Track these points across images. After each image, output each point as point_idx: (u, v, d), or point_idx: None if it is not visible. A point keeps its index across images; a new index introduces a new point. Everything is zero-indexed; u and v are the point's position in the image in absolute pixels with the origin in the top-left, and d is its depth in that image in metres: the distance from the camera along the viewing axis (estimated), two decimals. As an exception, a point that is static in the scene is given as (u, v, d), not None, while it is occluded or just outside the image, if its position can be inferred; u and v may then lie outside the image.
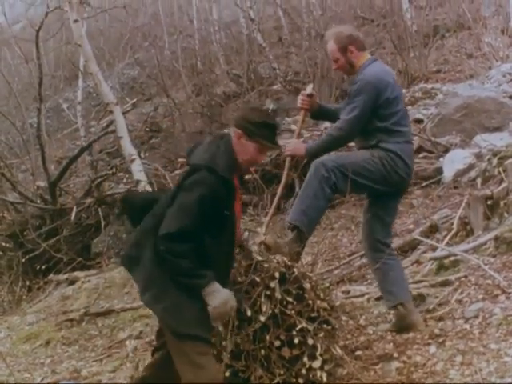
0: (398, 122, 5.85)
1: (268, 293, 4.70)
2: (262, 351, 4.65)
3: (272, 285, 4.71)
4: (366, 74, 5.86)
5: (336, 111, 6.20)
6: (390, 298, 5.84)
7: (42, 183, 13.40)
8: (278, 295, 4.68)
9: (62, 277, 11.80)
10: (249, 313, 4.63)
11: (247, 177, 12.25)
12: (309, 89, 6.13)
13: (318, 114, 6.27)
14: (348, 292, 7.25)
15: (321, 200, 5.78)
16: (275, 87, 19.92)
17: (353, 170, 5.66)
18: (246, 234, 5.68)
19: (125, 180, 13.59)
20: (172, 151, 15.75)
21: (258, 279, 4.70)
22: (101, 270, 11.49)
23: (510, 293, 5.76)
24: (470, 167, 9.91)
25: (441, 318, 5.72)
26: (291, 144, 6.05)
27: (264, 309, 4.63)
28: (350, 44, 5.89)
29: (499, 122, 11.52)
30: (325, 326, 4.86)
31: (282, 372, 4.65)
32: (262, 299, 4.65)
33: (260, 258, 4.89)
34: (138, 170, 11.74)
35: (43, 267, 12.41)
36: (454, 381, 4.56)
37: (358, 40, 5.97)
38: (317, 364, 4.77)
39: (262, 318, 4.61)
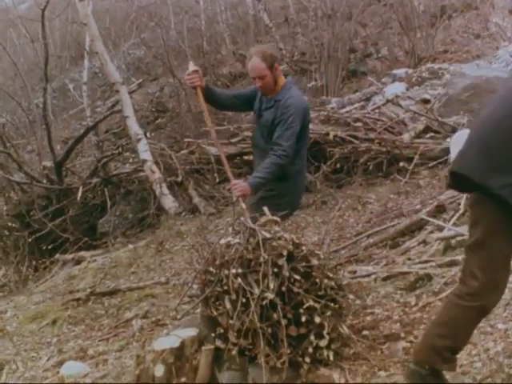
0: (305, 145, 6.29)
1: (276, 270, 4.68)
2: (269, 329, 4.65)
3: (280, 262, 4.70)
4: (295, 98, 6.11)
5: (220, 96, 6.42)
6: None
7: (48, 163, 13.38)
8: (285, 273, 4.67)
9: (68, 256, 11.81)
10: (256, 290, 4.62)
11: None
12: (191, 66, 6.11)
13: (206, 93, 6.22)
14: (355, 272, 7.23)
15: None
16: (281, 67, 19.83)
17: None
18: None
19: (131, 160, 13.56)
20: (178, 131, 15.71)
21: (265, 256, 4.69)
22: (107, 249, 11.50)
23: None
24: (477, 147, 9.87)
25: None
26: (239, 186, 5.87)
27: (271, 286, 4.62)
28: (275, 62, 6.09)
29: (507, 103, 11.47)
30: (332, 304, 4.85)
31: (288, 350, 4.64)
32: (270, 277, 4.64)
33: (268, 236, 4.88)
34: (143, 150, 11.73)
35: (49, 247, 12.41)
36: (461, 360, 4.54)
37: (278, 60, 6.26)
38: (324, 343, 4.76)
39: (270, 296, 4.59)
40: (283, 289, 4.67)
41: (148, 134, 12.43)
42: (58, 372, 6.35)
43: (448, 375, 4.32)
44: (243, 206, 5.66)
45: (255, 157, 6.62)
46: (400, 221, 8.63)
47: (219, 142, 7.02)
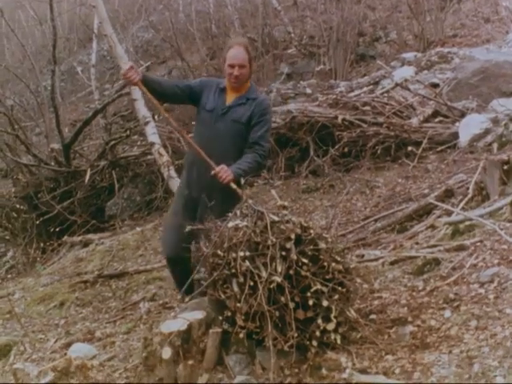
0: None
1: (283, 253, 4.68)
2: (277, 312, 4.65)
3: (287, 246, 4.70)
4: (265, 96, 6.11)
5: (161, 84, 6.23)
6: None
7: (56, 146, 13.39)
8: (293, 256, 4.67)
9: (75, 239, 11.85)
10: (264, 273, 4.62)
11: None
12: (123, 64, 6.09)
13: (145, 83, 6.07)
14: (362, 256, 7.23)
15: None
16: (290, 51, 19.84)
17: None
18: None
19: (139, 143, 13.58)
20: (186, 114, 15.68)
21: (273, 240, 4.68)
22: (114, 232, 11.53)
23: (525, 258, 5.72)
24: (487, 132, 9.87)
25: (456, 283, 5.68)
26: (224, 173, 5.73)
27: (279, 269, 4.61)
28: (253, 59, 6.26)
29: (516, 87, 11.45)
30: (339, 288, 4.85)
31: (296, 334, 4.64)
32: (277, 260, 4.64)
33: (276, 219, 4.87)
34: (152, 133, 11.70)
35: (57, 229, 12.46)
36: (469, 345, 4.54)
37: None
38: (331, 326, 4.76)
39: (277, 279, 4.59)
40: (291, 272, 4.67)
41: (156, 117, 12.40)
42: (65, 354, 6.36)
43: (456, 359, 4.34)
44: (236, 187, 5.68)
45: (198, 166, 6.17)
46: (408, 205, 8.62)
47: (181, 128, 6.90)
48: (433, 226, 7.48)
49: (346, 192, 10.01)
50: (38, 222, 12.48)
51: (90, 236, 11.65)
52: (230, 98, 6.13)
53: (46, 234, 12.63)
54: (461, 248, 6.35)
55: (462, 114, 11.12)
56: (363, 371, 4.54)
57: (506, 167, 7.47)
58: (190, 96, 6.26)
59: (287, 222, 4.89)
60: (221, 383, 4.75)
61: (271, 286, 4.62)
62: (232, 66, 5.98)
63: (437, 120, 11.60)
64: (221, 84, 6.21)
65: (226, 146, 6.07)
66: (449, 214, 7.60)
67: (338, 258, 4.94)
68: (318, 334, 4.72)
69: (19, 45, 18.33)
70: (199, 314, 5.06)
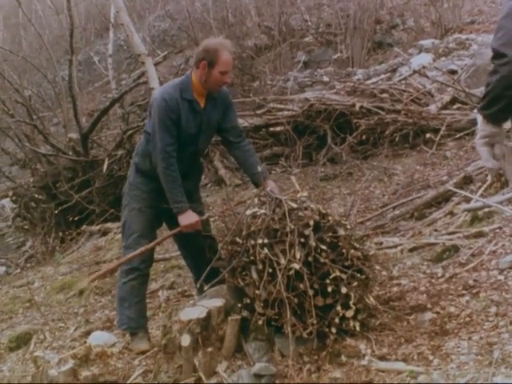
0: None
1: (302, 240, 4.68)
2: (296, 299, 4.65)
3: (306, 233, 4.69)
4: None
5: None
6: None
7: (74, 135, 13.44)
8: (312, 243, 4.66)
9: (94, 228, 11.90)
10: (282, 260, 4.62)
11: (278, 128, 12.24)
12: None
13: None
14: (381, 243, 7.21)
15: None
16: (307, 39, 19.80)
17: None
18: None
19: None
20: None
21: (291, 226, 4.68)
22: (133, 221, 11.54)
23: (545, 244, 5.70)
24: (505, 118, 9.80)
25: (475, 269, 5.66)
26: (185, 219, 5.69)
27: (298, 256, 4.61)
28: None
29: (535, 73, 11.36)
30: (358, 275, 4.84)
31: (315, 321, 4.64)
32: (296, 247, 4.63)
33: (294, 206, 4.87)
34: (169, 122, 11.68)
35: (76, 218, 12.53)
36: (489, 332, 4.52)
37: None
38: (350, 313, 4.75)
39: (296, 266, 4.59)
40: (310, 259, 4.66)
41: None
42: (85, 342, 6.40)
43: (476, 346, 4.32)
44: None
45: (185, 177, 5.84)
46: (426, 192, 8.60)
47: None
48: (451, 213, 7.46)
49: (364, 180, 9.99)
50: (56, 212, 12.53)
51: (109, 225, 11.69)
52: (202, 103, 5.79)
53: (64, 224, 12.69)
54: (480, 235, 6.33)
55: (481, 101, 11.06)
56: (382, 358, 4.54)
57: (525, 153, 7.42)
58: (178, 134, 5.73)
59: (305, 208, 4.88)
60: (240, 371, 4.77)
61: (290, 273, 4.61)
62: (225, 73, 5.61)
63: (455, 107, 11.55)
64: (184, 95, 5.70)
65: (204, 150, 6.32)
66: (468, 200, 7.57)
67: (357, 245, 4.93)
68: (337, 320, 4.72)
69: (36, 35, 18.39)
70: (218, 302, 5.06)
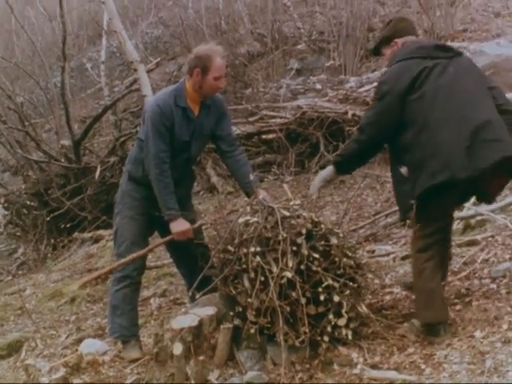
0: None
1: (294, 248, 4.68)
2: (288, 308, 4.64)
3: (298, 241, 4.69)
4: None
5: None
6: None
7: (67, 142, 13.41)
8: (304, 251, 4.66)
9: (86, 235, 11.87)
10: (274, 269, 4.61)
11: (271, 136, 12.24)
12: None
13: None
14: (373, 251, 7.23)
15: None
16: (299, 47, 19.78)
17: None
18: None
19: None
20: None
21: (284, 235, 4.68)
22: (125, 228, 11.51)
23: (537, 253, 5.71)
24: (498, 126, 9.81)
25: (467, 278, 5.68)
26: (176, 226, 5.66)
27: (290, 264, 4.61)
28: None
29: (528, 82, 11.36)
30: (351, 283, 4.84)
31: (307, 329, 4.64)
32: (288, 255, 4.63)
33: (286, 214, 4.87)
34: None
35: (68, 225, 12.48)
36: (481, 340, 4.52)
37: None
38: (342, 322, 4.76)
39: (288, 274, 4.58)
40: (302, 267, 4.67)
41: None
42: (76, 349, 6.38)
43: (468, 355, 4.32)
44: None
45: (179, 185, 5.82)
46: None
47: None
48: (444, 221, 7.46)
49: (356, 187, 9.99)
50: (48, 219, 12.49)
51: (101, 232, 11.65)
52: (196, 111, 5.75)
53: (56, 231, 12.65)
54: (472, 243, 6.36)
55: (473, 109, 11.08)
56: (374, 366, 4.55)
57: (517, 162, 7.44)
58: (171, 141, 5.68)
59: (298, 217, 4.89)
60: (232, 379, 4.76)
61: (282, 282, 4.62)
62: (219, 78, 5.56)
63: (447, 115, 11.56)
64: (178, 102, 5.66)
65: (197, 158, 6.35)
66: (460, 208, 7.58)
67: (350, 254, 4.93)
68: (329, 329, 4.73)
69: (29, 41, 18.32)
70: (210, 310, 5.06)
